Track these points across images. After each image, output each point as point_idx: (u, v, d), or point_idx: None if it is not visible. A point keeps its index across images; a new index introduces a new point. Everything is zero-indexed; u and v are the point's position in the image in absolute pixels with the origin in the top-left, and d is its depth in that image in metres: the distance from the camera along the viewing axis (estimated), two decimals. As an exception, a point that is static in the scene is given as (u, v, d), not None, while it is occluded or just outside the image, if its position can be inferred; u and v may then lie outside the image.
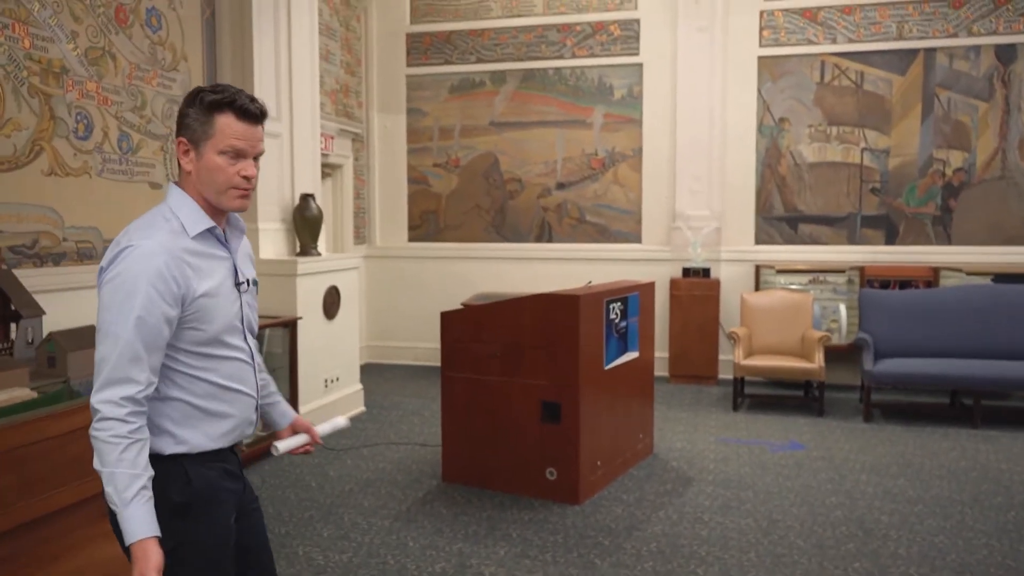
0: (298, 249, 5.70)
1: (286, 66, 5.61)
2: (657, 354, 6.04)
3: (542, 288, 5.05)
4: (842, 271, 7.08)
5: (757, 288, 7.21)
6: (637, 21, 7.54)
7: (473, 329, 4.51)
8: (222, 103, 1.68)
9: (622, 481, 4.60)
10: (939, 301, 6.26)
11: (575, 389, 4.22)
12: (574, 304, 4.21)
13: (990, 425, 5.76)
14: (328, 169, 7.44)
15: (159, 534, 1.61)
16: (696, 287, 7.16)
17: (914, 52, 7.01)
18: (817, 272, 7.13)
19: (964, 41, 6.90)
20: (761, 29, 7.28)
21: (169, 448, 1.71)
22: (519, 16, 7.82)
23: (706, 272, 7.21)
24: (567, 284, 5.38)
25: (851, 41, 7.11)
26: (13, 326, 3.22)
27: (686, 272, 7.25)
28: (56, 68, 4.00)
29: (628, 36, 7.57)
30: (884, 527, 3.92)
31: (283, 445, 1.96)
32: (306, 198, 5.63)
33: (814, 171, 7.28)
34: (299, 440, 1.99)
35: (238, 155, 1.70)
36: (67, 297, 3.85)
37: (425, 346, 7.90)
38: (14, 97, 3.77)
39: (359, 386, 6.31)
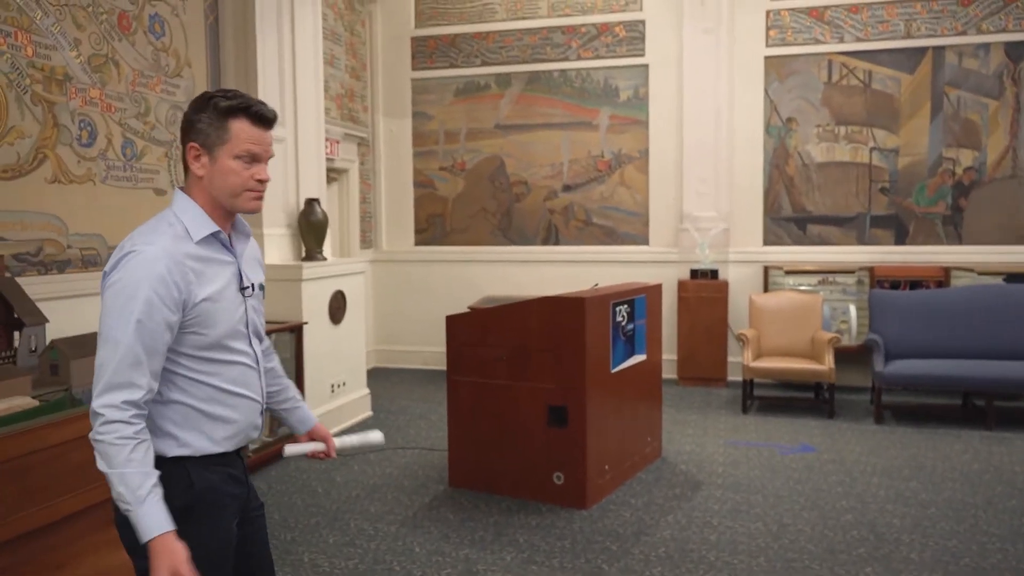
0: (303, 254, 5.69)
1: (290, 71, 5.60)
2: (665, 356, 6.00)
3: (549, 291, 5.03)
4: (851, 272, 7.03)
5: (766, 289, 7.16)
6: (642, 22, 7.51)
7: (479, 333, 4.49)
8: (237, 108, 1.70)
9: (630, 485, 4.57)
10: (950, 301, 6.20)
11: (582, 392, 4.19)
12: (580, 307, 4.18)
13: (1003, 427, 5.69)
14: (334, 174, 7.44)
15: (175, 528, 1.61)
16: (704, 289, 7.12)
17: (923, 50, 6.95)
18: (826, 273, 7.08)
19: (973, 39, 6.84)
20: (767, 29, 7.24)
21: (172, 451, 1.71)
22: (524, 18, 7.80)
23: (714, 274, 7.17)
24: (574, 287, 5.35)
25: (859, 40, 7.06)
26: (16, 334, 3.21)
27: (694, 274, 7.21)
28: (59, 75, 4.00)
29: (633, 37, 7.54)
30: (896, 531, 3.86)
31: (291, 449, 2.00)
32: (311, 203, 5.62)
33: (822, 171, 7.23)
34: (310, 447, 2.02)
35: (253, 159, 1.72)
36: (71, 304, 3.85)
37: (432, 350, 7.88)
38: (17, 105, 3.77)
39: (366, 391, 6.29)
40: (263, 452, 4.88)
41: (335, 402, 5.77)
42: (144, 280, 1.61)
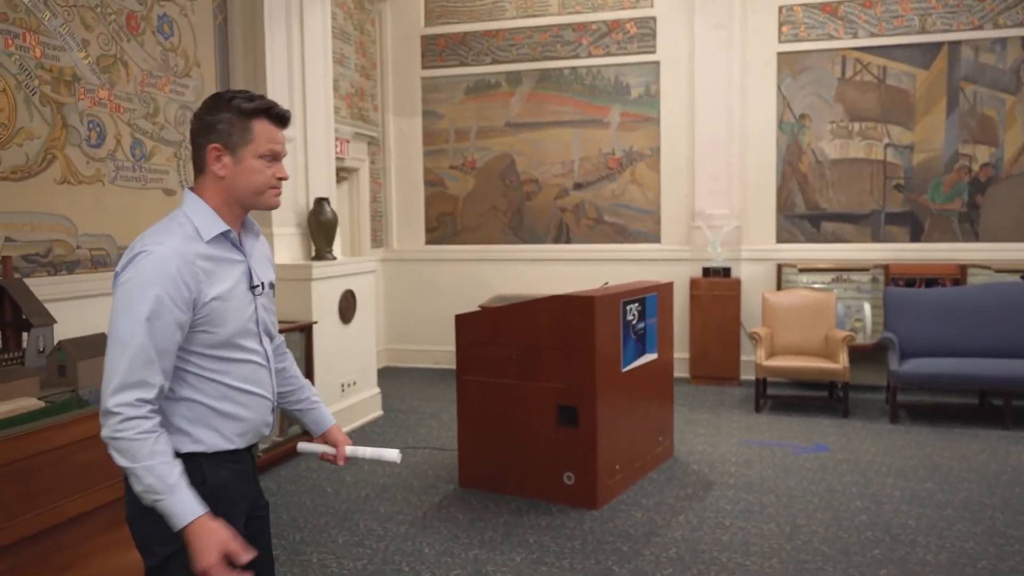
0: (313, 253, 5.68)
1: (299, 70, 5.59)
2: (678, 355, 5.96)
3: (560, 290, 4.99)
4: (866, 269, 6.95)
5: (779, 287, 7.09)
6: (653, 19, 7.46)
7: (488, 332, 4.46)
8: (259, 110, 1.75)
9: (641, 485, 4.53)
10: (967, 299, 6.12)
11: (592, 392, 4.15)
12: (589, 305, 4.14)
13: (1021, 426, 5.61)
14: (344, 173, 7.43)
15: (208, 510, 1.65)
16: (717, 287, 7.07)
17: (938, 45, 6.86)
18: (840, 271, 7.00)
19: (989, 33, 6.74)
20: (780, 25, 7.17)
21: (186, 447, 1.73)
22: (534, 16, 7.77)
23: (727, 272, 7.11)
24: (585, 285, 5.31)
25: (872, 35, 6.98)
26: (25, 335, 3.21)
27: (706, 272, 7.16)
28: (68, 76, 4.00)
29: (644, 34, 7.49)
30: (912, 532, 3.81)
31: (304, 447, 2.06)
32: (321, 202, 5.61)
33: (836, 168, 7.15)
34: (322, 447, 2.06)
35: (274, 158, 1.77)
36: (81, 305, 3.85)
37: (443, 349, 7.86)
38: (26, 106, 3.77)
39: (377, 390, 6.28)
40: (273, 452, 4.88)
41: (345, 401, 5.76)
42: (155, 280, 1.62)
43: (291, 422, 5.12)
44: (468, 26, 7.94)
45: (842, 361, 5.99)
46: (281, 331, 5.19)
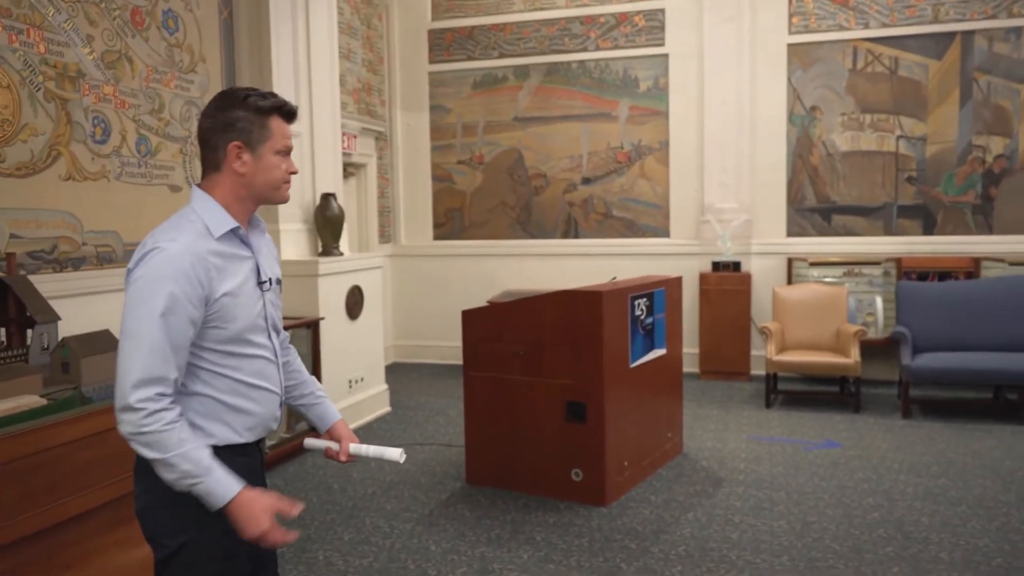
0: (320, 249, 5.66)
1: (305, 65, 5.56)
2: (687, 350, 5.92)
3: (569, 285, 4.94)
4: (878, 263, 6.87)
5: (789, 281, 7.03)
6: (662, 11, 7.39)
7: (495, 327, 4.43)
8: (273, 107, 1.80)
9: (650, 482, 4.49)
10: (980, 293, 6.04)
11: (600, 388, 4.11)
12: (597, 300, 4.10)
13: (1036, 421, 5.55)
14: (352, 168, 7.41)
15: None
16: (726, 281, 7.01)
17: (951, 35, 6.77)
18: (852, 264, 6.93)
19: (1004, 23, 6.64)
20: (790, 16, 7.10)
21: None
22: (541, 9, 7.72)
23: (736, 266, 7.05)
24: (594, 280, 5.26)
25: (884, 26, 6.89)
26: (29, 332, 3.20)
27: (716, 266, 7.10)
28: (72, 72, 3.99)
29: (653, 27, 7.43)
30: (924, 529, 3.75)
31: (310, 442, 2.09)
32: (327, 198, 5.59)
33: (847, 160, 7.07)
34: (326, 444, 2.07)
35: (288, 153, 1.84)
36: (86, 301, 3.84)
37: (451, 345, 7.83)
38: (30, 102, 3.76)
39: (384, 386, 6.26)
40: (280, 448, 4.87)
41: (353, 398, 5.74)
42: (168, 276, 1.64)
43: (298, 419, 5.10)
44: (475, 20, 7.89)
45: (854, 356, 5.92)
46: (288, 327, 5.10)
